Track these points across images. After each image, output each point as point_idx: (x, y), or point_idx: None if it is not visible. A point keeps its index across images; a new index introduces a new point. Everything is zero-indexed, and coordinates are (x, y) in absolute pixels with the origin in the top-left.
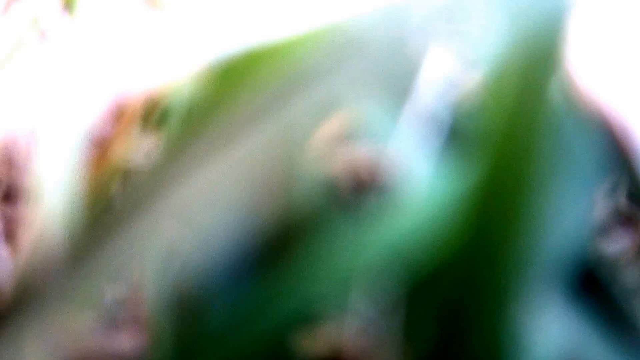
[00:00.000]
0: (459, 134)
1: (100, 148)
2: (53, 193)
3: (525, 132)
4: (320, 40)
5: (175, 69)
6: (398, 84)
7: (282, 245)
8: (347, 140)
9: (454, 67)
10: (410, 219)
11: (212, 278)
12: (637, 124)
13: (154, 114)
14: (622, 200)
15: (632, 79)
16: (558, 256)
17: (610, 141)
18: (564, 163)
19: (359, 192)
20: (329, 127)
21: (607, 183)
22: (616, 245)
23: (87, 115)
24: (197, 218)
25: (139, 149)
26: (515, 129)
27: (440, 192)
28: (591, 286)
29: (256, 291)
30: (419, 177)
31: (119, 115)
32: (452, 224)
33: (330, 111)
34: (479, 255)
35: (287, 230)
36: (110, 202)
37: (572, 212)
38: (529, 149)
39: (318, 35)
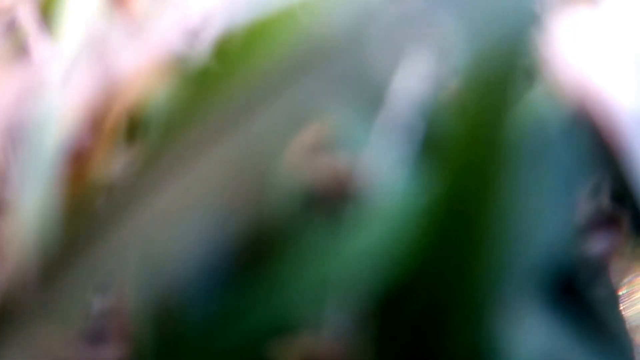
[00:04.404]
0: (430, 142)
1: (80, 160)
2: (31, 206)
3: (490, 137)
4: (293, 45)
5: (152, 77)
6: (370, 91)
7: (257, 255)
8: (320, 149)
9: (426, 75)
10: (384, 228)
11: (188, 287)
12: (623, 123)
13: (133, 125)
14: (606, 200)
15: (617, 78)
16: (536, 261)
17: (595, 140)
18: (544, 165)
19: (332, 201)
20: (303, 136)
21: (591, 183)
22: (599, 246)
23: (66, 128)
24: (173, 228)
25: (118, 160)
26: (480, 135)
27: (414, 201)
28: (572, 291)
29: (231, 301)
30: (393, 186)
31: (98, 127)
32: (423, 233)
33: (304, 119)
34: (450, 264)
35: (261, 239)
36: (90, 215)
37: (552, 216)
38: (495, 155)
39: (291, 39)
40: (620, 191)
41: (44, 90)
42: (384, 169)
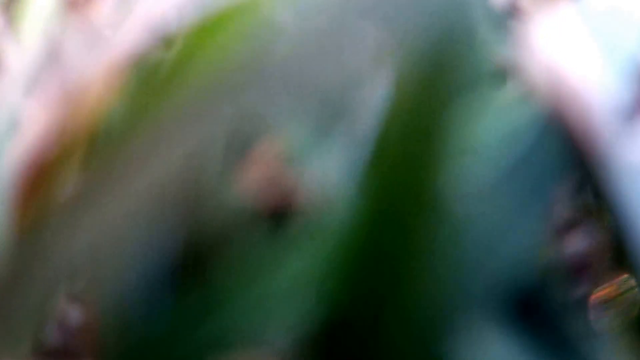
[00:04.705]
0: (376, 155)
1: (37, 173)
2: None
3: (430, 146)
4: (248, 46)
5: (110, 86)
6: (321, 104)
7: (201, 268)
8: (269, 163)
9: (374, 85)
10: (329, 245)
11: (133, 302)
12: (599, 125)
13: (91, 136)
14: (580, 204)
15: (594, 78)
16: (495, 276)
17: (570, 143)
18: (515, 170)
19: (279, 216)
20: (252, 148)
21: (565, 187)
22: (572, 251)
23: (25, 139)
24: (118, 242)
25: (76, 173)
26: (419, 144)
27: (359, 217)
28: (535, 305)
29: (175, 316)
30: (340, 201)
31: (57, 139)
32: (367, 249)
33: (252, 129)
34: (394, 283)
35: (206, 253)
36: (44, 229)
37: (519, 224)
38: (435, 164)
39: (249, 36)
40: (595, 195)
41: (4, 100)
42: (331, 184)
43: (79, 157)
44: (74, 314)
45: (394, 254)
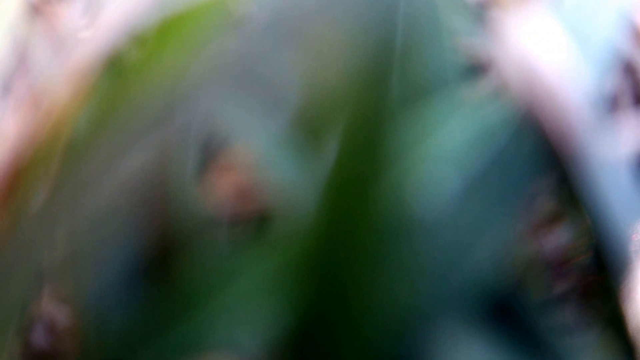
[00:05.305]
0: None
1: (9, 181)
2: None
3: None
4: (210, 51)
5: (77, 92)
6: (286, 106)
7: (169, 274)
8: (235, 169)
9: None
10: (296, 251)
11: (104, 305)
12: (573, 122)
13: (58, 144)
14: (555, 202)
15: (568, 76)
16: (468, 281)
17: (544, 140)
18: (486, 172)
19: (245, 222)
20: (217, 154)
21: (543, 181)
22: (552, 245)
23: None
24: (86, 248)
25: (45, 180)
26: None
27: (324, 221)
28: (513, 306)
29: (144, 321)
30: (305, 208)
31: (27, 146)
32: (332, 258)
33: (217, 134)
34: (357, 290)
35: (173, 258)
36: (15, 236)
37: (493, 228)
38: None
39: (208, 45)
40: (573, 191)
41: None
42: (296, 190)
43: (51, 160)
44: (58, 316)
45: (355, 260)
